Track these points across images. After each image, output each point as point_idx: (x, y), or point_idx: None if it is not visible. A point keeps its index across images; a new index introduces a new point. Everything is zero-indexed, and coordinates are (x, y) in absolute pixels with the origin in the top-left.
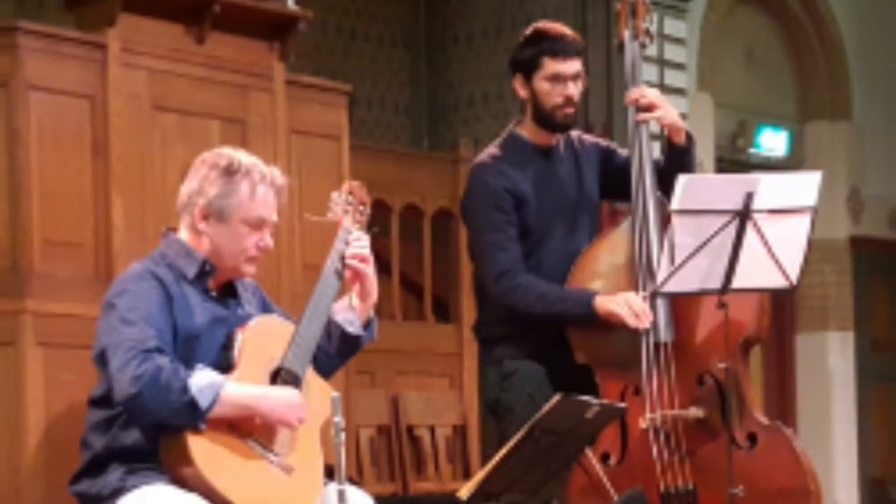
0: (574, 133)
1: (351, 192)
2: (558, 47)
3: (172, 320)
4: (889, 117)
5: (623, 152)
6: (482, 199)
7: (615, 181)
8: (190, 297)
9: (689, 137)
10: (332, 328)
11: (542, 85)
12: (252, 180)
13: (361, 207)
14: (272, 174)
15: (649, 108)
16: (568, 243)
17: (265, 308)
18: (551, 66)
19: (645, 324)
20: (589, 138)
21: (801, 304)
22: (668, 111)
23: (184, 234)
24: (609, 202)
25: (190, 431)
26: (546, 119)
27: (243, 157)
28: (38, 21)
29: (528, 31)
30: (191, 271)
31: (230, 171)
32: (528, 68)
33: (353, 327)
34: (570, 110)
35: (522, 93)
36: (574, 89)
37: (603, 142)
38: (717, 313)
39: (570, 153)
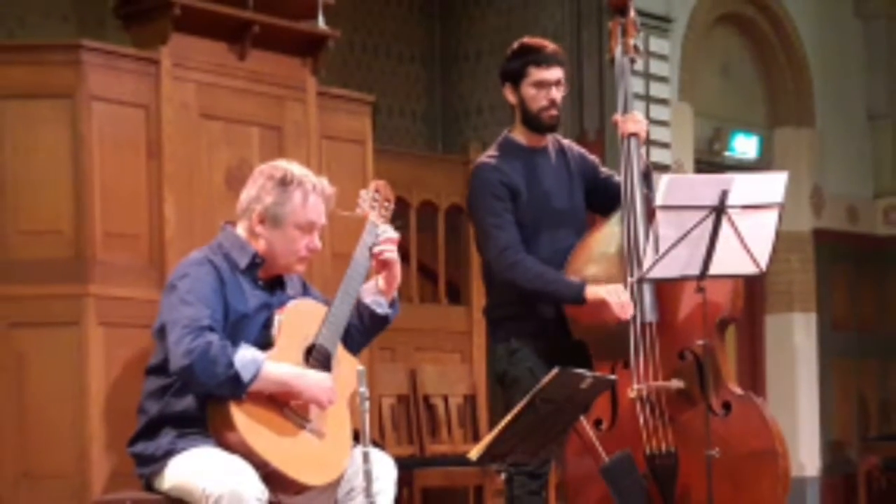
0: (565, 141)
1: (377, 190)
2: (541, 57)
3: (224, 302)
4: (847, 125)
5: (605, 170)
6: (482, 190)
7: (596, 195)
8: (242, 284)
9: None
10: (362, 310)
11: (528, 91)
12: (304, 190)
13: (387, 204)
14: (322, 184)
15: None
16: (558, 235)
17: (306, 294)
18: (536, 73)
19: (626, 316)
20: (578, 148)
21: (770, 289)
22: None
23: (242, 234)
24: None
25: (233, 401)
26: (533, 121)
27: (296, 168)
28: (99, 39)
29: (514, 45)
30: (243, 262)
31: (285, 182)
32: (515, 77)
33: (381, 308)
34: (554, 112)
35: (512, 99)
36: (556, 93)
37: (590, 156)
38: (696, 296)
39: (559, 155)
